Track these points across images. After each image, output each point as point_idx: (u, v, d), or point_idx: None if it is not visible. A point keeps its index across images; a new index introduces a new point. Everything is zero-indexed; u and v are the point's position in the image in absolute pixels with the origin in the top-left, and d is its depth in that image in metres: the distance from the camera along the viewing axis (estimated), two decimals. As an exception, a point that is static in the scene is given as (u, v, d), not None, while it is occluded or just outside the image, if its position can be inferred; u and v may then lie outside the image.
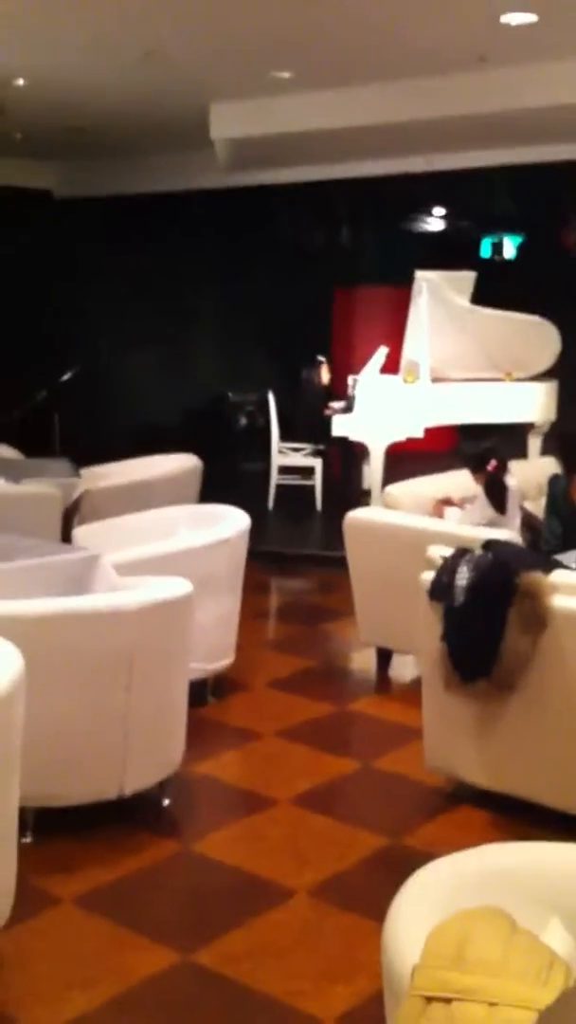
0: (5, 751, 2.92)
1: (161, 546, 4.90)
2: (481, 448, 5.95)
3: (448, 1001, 1.54)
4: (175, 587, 3.92)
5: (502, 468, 5.83)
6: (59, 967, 3.05)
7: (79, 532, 5.61)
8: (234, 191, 10.54)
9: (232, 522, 5.22)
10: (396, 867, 3.45)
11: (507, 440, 6.36)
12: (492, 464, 5.77)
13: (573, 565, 4.67)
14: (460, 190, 10.59)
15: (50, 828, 3.74)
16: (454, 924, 1.68)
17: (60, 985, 2.96)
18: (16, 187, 11.33)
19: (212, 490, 7.37)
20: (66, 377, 10.14)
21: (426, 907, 1.89)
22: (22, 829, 3.56)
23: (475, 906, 1.76)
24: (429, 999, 1.56)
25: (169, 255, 11.80)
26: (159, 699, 3.89)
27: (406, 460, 8.97)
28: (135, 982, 2.99)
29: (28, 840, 3.66)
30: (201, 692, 5.06)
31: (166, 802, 4.04)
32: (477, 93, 7.83)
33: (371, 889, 3.40)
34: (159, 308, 11.91)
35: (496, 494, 5.74)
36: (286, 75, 7.89)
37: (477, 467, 5.84)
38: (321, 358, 10.38)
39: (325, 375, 10.31)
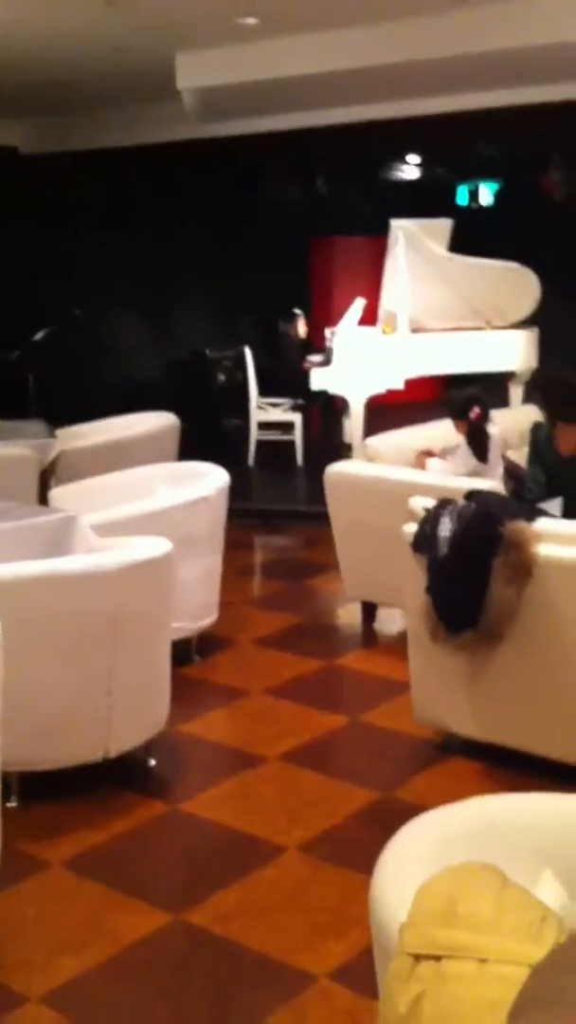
0: (-15, 717, 2.88)
1: (140, 506, 4.84)
2: (464, 395, 5.89)
3: (438, 958, 1.51)
4: (155, 547, 3.87)
5: (484, 416, 5.78)
6: (49, 931, 3.03)
7: (56, 493, 5.54)
8: (205, 143, 10.36)
9: (211, 480, 5.16)
10: (387, 821, 3.43)
11: (488, 389, 6.28)
12: (475, 412, 5.71)
13: (557, 513, 4.64)
14: (436, 136, 10.44)
15: (36, 792, 3.71)
16: (443, 880, 1.64)
17: (51, 949, 2.94)
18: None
19: (191, 448, 7.29)
20: (39, 336, 10.01)
21: (414, 863, 1.86)
22: (7, 794, 3.54)
23: (464, 861, 1.73)
24: (418, 957, 1.53)
25: (141, 210, 11.63)
26: (142, 659, 3.85)
27: (387, 412, 8.91)
28: (126, 944, 2.97)
29: (14, 805, 3.64)
30: (186, 651, 5.03)
31: (152, 763, 4.01)
32: (451, 35, 7.68)
33: (362, 843, 3.38)
34: (132, 264, 11.76)
35: (478, 442, 5.69)
36: (252, 21, 7.72)
37: (459, 415, 5.78)
38: (297, 311, 10.26)
39: (302, 328, 10.20)
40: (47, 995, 2.75)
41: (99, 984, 2.81)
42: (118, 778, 3.88)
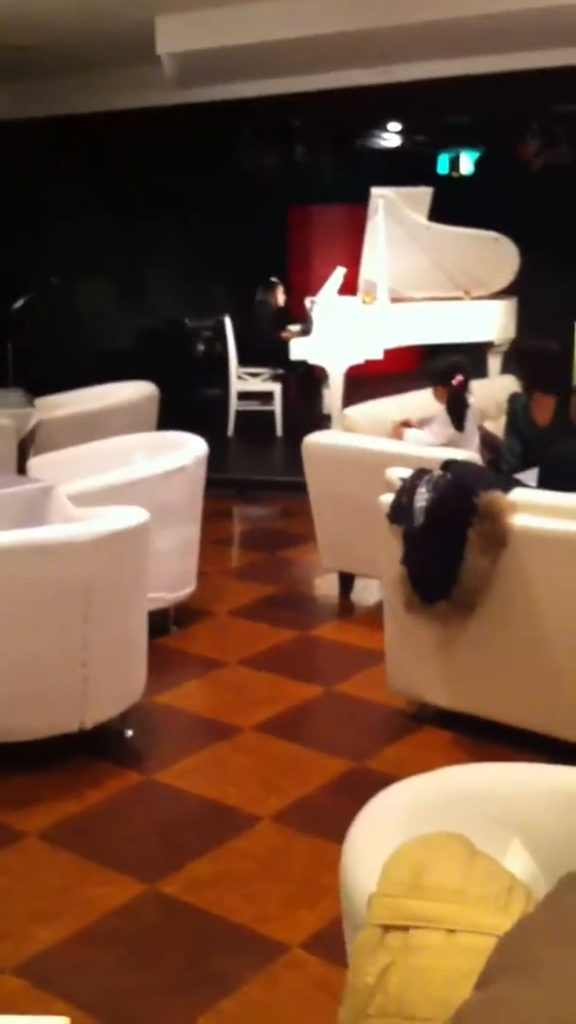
0: (-42, 688, 2.87)
1: (117, 475, 4.82)
2: (449, 362, 5.88)
3: (406, 929, 1.52)
4: (131, 516, 3.85)
5: (466, 384, 5.77)
6: (23, 902, 3.04)
7: (34, 463, 5.51)
8: (184, 108, 10.23)
9: (189, 449, 5.14)
10: (361, 790, 3.43)
11: (470, 359, 6.26)
12: (458, 379, 5.70)
13: (533, 484, 4.64)
14: (416, 103, 10.34)
15: (11, 763, 3.71)
16: (411, 850, 1.65)
17: (24, 920, 2.94)
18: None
19: (171, 418, 7.25)
20: (18, 305, 9.92)
21: (384, 833, 1.86)
22: (-18, 765, 3.54)
23: (433, 831, 1.73)
24: (387, 928, 1.53)
25: (119, 176, 11.50)
26: (118, 630, 3.84)
27: (366, 383, 8.88)
28: (100, 914, 2.98)
29: (-11, 776, 3.64)
30: (163, 622, 5.02)
31: (129, 733, 4.01)
32: (433, 0, 7.60)
33: (336, 813, 3.38)
34: (111, 232, 11.65)
35: (456, 410, 5.68)
36: (233, -16, 7.63)
37: (441, 381, 5.77)
38: (274, 279, 10.20)
39: (280, 297, 10.15)
40: (19, 966, 2.75)
41: (72, 954, 2.81)
42: (94, 749, 3.88)
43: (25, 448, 6.36)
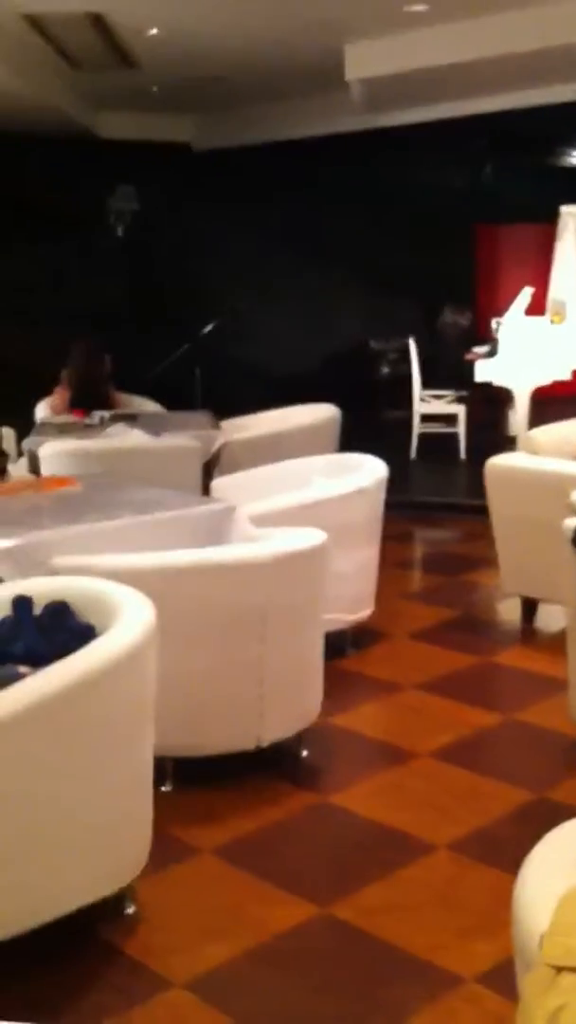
0: (138, 701, 2.94)
1: (297, 496, 4.85)
2: None
3: (580, 972, 1.45)
4: (309, 538, 3.87)
5: None
6: (196, 917, 3.07)
7: (217, 484, 5.61)
8: (372, 133, 10.31)
9: (369, 471, 5.13)
10: (540, 822, 3.33)
11: None
12: None
13: None
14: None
15: (190, 778, 3.76)
16: (588, 890, 1.58)
17: (196, 936, 2.97)
18: (155, 141, 11.35)
19: (354, 440, 7.26)
20: (207, 330, 10.16)
21: (560, 870, 1.79)
22: (162, 778, 3.61)
23: (612, 871, 1.65)
24: (559, 969, 1.47)
25: (308, 202, 11.67)
26: (294, 650, 3.85)
27: (553, 404, 8.69)
28: (272, 934, 2.98)
29: (168, 789, 3.70)
30: (340, 643, 5.01)
31: (304, 753, 4.02)
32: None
33: (514, 844, 3.27)
34: (299, 256, 11.81)
35: None
36: (420, 8, 7.63)
37: None
38: (458, 300, 10.12)
39: (467, 318, 10.05)
40: (191, 981, 2.77)
41: (243, 973, 2.82)
42: (270, 767, 3.90)
43: (210, 469, 6.49)
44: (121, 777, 2.90)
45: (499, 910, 3.00)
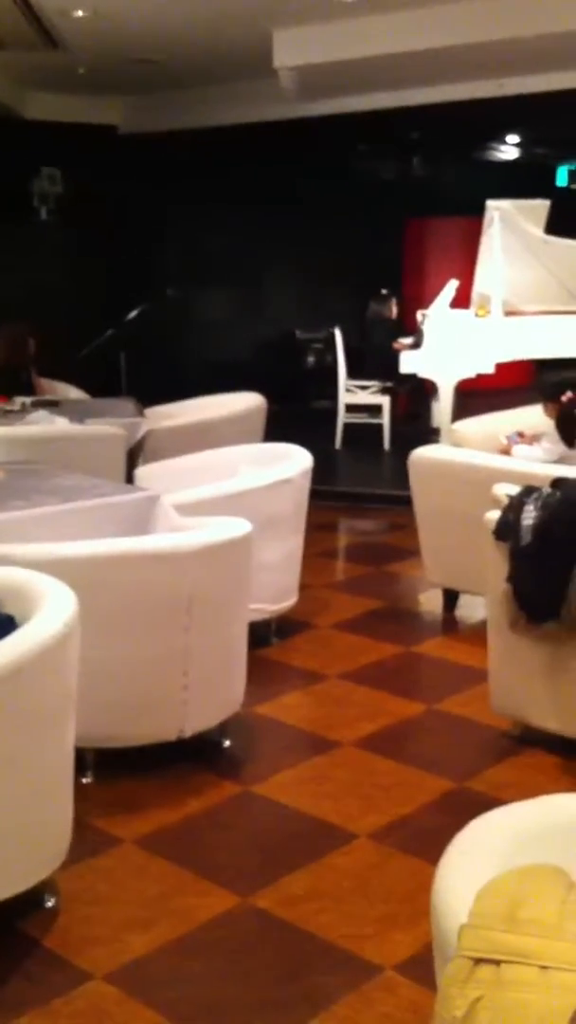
0: (59, 693, 2.91)
1: (222, 486, 4.84)
2: (559, 377, 5.77)
3: (498, 963, 1.47)
4: (234, 527, 3.86)
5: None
6: (117, 909, 3.05)
7: (141, 472, 5.58)
8: (301, 122, 10.29)
9: (295, 461, 5.13)
10: (462, 811, 3.37)
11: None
12: (568, 395, 5.59)
13: None
14: (535, 115, 10.22)
15: (111, 769, 3.74)
16: (507, 882, 1.60)
17: (118, 927, 2.96)
18: (81, 124, 11.20)
19: (279, 429, 7.27)
20: (132, 316, 10.07)
21: (479, 861, 1.81)
22: (83, 770, 3.58)
23: (530, 863, 1.67)
24: (478, 960, 1.49)
25: (237, 190, 11.62)
26: (219, 640, 3.84)
27: (477, 397, 8.78)
28: (194, 925, 2.97)
29: (89, 780, 3.67)
30: (264, 633, 5.02)
31: (227, 743, 4.02)
32: (551, 11, 7.50)
33: (435, 833, 3.31)
34: (226, 244, 11.76)
35: (567, 427, 5.56)
36: (350, -2, 7.64)
37: (551, 397, 5.66)
38: (384, 291, 10.16)
39: (393, 310, 10.10)
40: (112, 973, 2.76)
41: (165, 963, 2.81)
42: (192, 757, 3.89)
43: (134, 457, 6.44)
44: (41, 769, 2.87)
45: (419, 898, 3.04)
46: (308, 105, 10.02)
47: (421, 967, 2.73)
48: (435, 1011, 1.50)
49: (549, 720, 3.94)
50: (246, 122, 10.66)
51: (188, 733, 3.79)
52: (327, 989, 2.71)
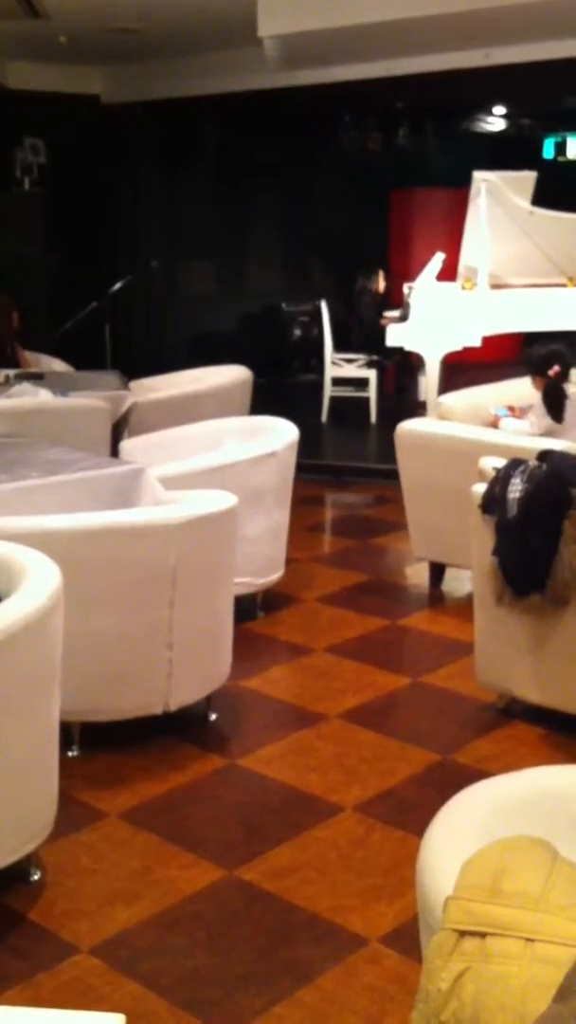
0: (44, 665, 2.89)
1: (207, 459, 4.81)
2: (546, 350, 5.74)
3: (483, 935, 1.47)
4: (219, 501, 3.84)
5: (564, 375, 5.64)
6: (102, 882, 3.05)
7: (126, 445, 5.55)
8: (286, 91, 10.19)
9: (280, 434, 5.11)
10: (446, 783, 3.40)
11: (570, 347, 6.11)
12: (554, 369, 5.57)
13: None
14: (522, 86, 10.14)
15: (96, 743, 3.73)
16: (491, 854, 1.59)
17: (103, 900, 2.95)
18: (64, 93, 11.08)
19: (265, 403, 7.24)
20: (116, 287, 9.99)
21: (464, 833, 1.81)
22: (68, 743, 3.57)
23: (515, 835, 1.67)
24: (462, 933, 1.48)
25: (222, 161, 11.53)
26: (204, 614, 3.83)
27: (464, 370, 8.77)
28: (179, 898, 2.98)
29: (74, 754, 3.67)
30: (250, 607, 5.02)
31: (213, 717, 4.01)
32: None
33: (420, 805, 3.35)
34: (211, 215, 11.68)
35: (554, 400, 5.55)
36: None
37: (538, 370, 5.64)
38: (371, 265, 10.11)
39: (381, 283, 10.05)
40: (97, 946, 2.76)
41: (149, 936, 2.81)
42: (178, 731, 3.89)
43: (118, 430, 6.41)
44: (25, 743, 2.86)
45: (403, 870, 3.06)
46: (292, 75, 9.92)
47: (405, 939, 2.74)
48: (420, 983, 1.50)
49: (533, 692, 3.95)
50: (230, 91, 10.55)
51: (173, 707, 3.78)
52: (312, 961, 2.72)
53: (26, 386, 6.53)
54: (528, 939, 1.44)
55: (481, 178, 8.39)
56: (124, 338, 10.11)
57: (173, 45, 10.16)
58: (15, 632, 2.70)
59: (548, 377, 5.58)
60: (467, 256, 8.64)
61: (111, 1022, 1.37)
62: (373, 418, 9.43)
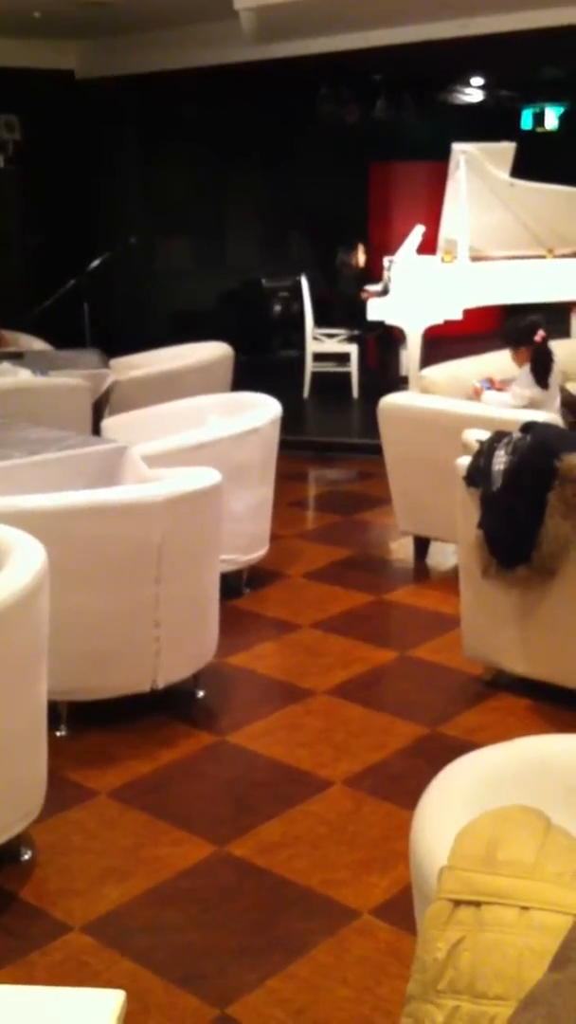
0: (31, 644, 2.88)
1: (190, 436, 4.79)
2: (526, 321, 5.73)
3: (478, 904, 1.47)
4: (203, 477, 3.82)
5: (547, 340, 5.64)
6: (94, 860, 3.05)
7: (108, 423, 5.51)
8: (263, 64, 10.10)
9: (263, 410, 5.09)
10: (435, 756, 3.41)
11: (549, 319, 6.09)
12: (540, 334, 5.56)
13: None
14: (499, 56, 10.07)
15: (85, 722, 3.73)
16: (485, 823, 1.60)
17: (95, 878, 2.96)
18: (37, 69, 10.95)
19: (246, 379, 7.21)
20: (95, 264, 9.91)
21: (456, 804, 1.81)
22: (56, 723, 3.57)
23: (508, 804, 1.67)
24: (458, 902, 1.48)
25: (199, 135, 11.43)
26: (190, 591, 3.82)
27: (445, 343, 8.75)
28: (170, 874, 2.98)
29: (63, 734, 3.67)
30: (236, 584, 5.01)
31: (200, 694, 4.01)
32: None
33: (409, 778, 3.36)
34: (188, 190, 11.59)
35: (542, 364, 5.55)
36: None
37: (522, 341, 5.63)
38: (355, 239, 10.06)
39: (361, 257, 10.01)
40: (89, 924, 2.76)
41: (141, 913, 2.82)
42: (166, 709, 3.89)
43: (99, 409, 6.38)
44: (14, 722, 2.85)
45: (394, 843, 3.07)
46: (268, 47, 9.83)
47: (398, 910, 2.75)
48: (416, 953, 1.50)
49: (520, 664, 3.96)
50: (207, 65, 10.45)
51: (161, 684, 3.78)
52: (304, 934, 2.73)
53: (6, 366, 6.49)
54: (523, 907, 1.44)
55: (460, 150, 8.35)
56: (103, 315, 10.03)
57: (148, 19, 10.04)
58: (1, 612, 2.68)
59: (534, 343, 5.58)
60: (447, 228, 8.61)
61: (111, 998, 1.37)
62: (355, 393, 9.41)
